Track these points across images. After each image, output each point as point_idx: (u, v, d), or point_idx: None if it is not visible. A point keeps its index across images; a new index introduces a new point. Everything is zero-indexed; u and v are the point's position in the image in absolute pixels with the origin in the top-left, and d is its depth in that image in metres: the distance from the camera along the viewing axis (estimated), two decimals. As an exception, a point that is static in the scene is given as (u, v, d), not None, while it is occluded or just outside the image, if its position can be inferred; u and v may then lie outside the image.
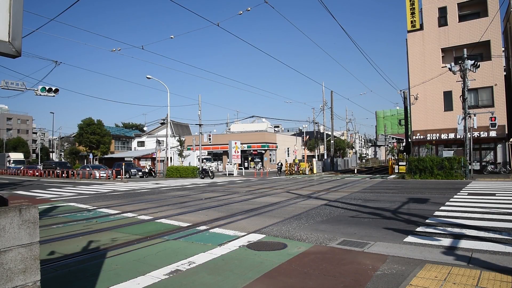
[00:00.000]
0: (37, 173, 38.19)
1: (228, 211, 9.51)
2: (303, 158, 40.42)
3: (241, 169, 38.64)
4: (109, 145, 54.64)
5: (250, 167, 48.55)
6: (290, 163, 34.25)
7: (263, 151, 47.82)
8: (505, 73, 26.14)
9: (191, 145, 39.28)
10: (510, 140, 24.77)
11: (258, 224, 7.42)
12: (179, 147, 37.58)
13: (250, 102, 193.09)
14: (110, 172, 30.82)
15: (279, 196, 13.07)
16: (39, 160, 66.56)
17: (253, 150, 47.92)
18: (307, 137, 48.77)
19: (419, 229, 6.47)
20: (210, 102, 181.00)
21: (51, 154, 66.47)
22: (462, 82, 20.30)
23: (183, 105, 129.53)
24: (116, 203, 11.83)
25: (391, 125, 66.71)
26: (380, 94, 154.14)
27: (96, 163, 46.34)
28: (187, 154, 38.15)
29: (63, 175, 33.72)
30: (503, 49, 26.89)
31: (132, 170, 32.13)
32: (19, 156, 55.61)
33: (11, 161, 50.79)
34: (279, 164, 33.66)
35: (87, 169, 32.57)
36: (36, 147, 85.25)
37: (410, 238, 5.74)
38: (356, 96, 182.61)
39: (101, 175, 30.44)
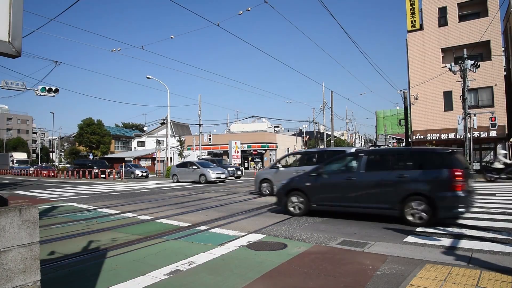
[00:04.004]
0: (52, 174, 34.30)
1: (228, 211, 9.51)
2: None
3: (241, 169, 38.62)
4: (109, 145, 54.69)
5: (250, 167, 48.58)
6: None
7: (263, 151, 47.85)
8: (505, 73, 26.15)
9: (191, 145, 39.32)
10: (510, 140, 24.77)
11: (258, 224, 7.42)
12: (179, 147, 37.59)
13: (250, 102, 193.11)
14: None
15: (279, 196, 13.02)
16: (39, 160, 66.57)
17: (253, 150, 47.96)
18: (307, 137, 48.85)
19: (419, 229, 6.46)
20: (210, 102, 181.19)
21: (51, 154, 66.46)
22: (462, 82, 20.30)
23: (183, 105, 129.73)
24: (116, 203, 11.83)
25: (391, 125, 66.70)
26: (380, 94, 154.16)
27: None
28: (187, 154, 38.14)
29: (102, 175, 28.57)
30: (503, 49, 26.90)
31: (231, 168, 24.48)
32: (23, 156, 54.71)
33: (15, 161, 49.90)
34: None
35: (194, 167, 22.24)
36: (36, 147, 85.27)
37: (410, 238, 5.74)
38: (356, 96, 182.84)
39: (219, 176, 21.37)
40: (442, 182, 6.65)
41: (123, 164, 32.24)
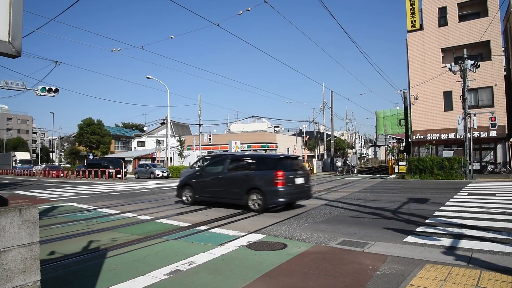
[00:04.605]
0: (62, 174, 32.34)
1: (228, 211, 9.51)
2: (303, 158, 40.43)
3: (241, 169, 38.60)
4: (109, 145, 54.68)
5: (250, 167, 48.51)
6: None
7: (263, 151, 47.82)
8: (505, 73, 26.14)
9: (191, 145, 39.34)
10: (510, 140, 24.77)
11: (258, 224, 7.42)
12: (179, 147, 37.63)
13: (250, 102, 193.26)
14: None
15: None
16: (39, 160, 66.49)
17: (253, 150, 47.94)
18: (307, 137, 48.78)
19: (419, 229, 6.47)
20: (210, 102, 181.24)
21: (51, 154, 66.46)
22: (462, 82, 20.29)
23: (183, 105, 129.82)
24: (116, 203, 11.83)
25: (391, 125, 66.72)
26: (380, 94, 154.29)
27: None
28: (187, 154, 38.18)
29: (118, 176, 26.59)
30: (503, 49, 26.89)
31: None
32: (26, 155, 53.23)
33: (17, 161, 48.43)
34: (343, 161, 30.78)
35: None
36: (36, 147, 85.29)
37: (410, 238, 5.74)
38: (356, 96, 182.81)
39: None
40: (269, 179, 8.97)
41: (123, 163, 31.64)
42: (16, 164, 47.88)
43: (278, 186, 8.85)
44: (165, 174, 28.76)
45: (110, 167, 28.14)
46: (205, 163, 12.65)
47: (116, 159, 32.52)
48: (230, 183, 9.78)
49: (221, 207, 10.08)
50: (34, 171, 39.01)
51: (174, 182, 22.85)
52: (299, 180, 9.51)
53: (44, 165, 50.72)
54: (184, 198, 10.99)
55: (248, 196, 9.24)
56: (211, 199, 10.39)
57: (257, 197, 9.08)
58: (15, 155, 50.64)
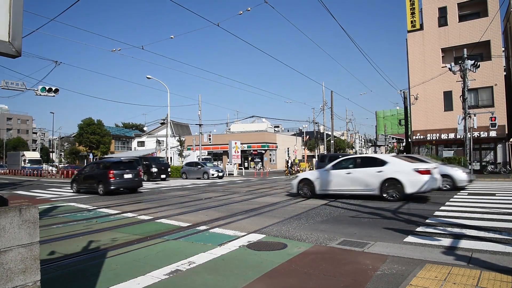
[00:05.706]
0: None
1: (228, 211, 9.51)
2: (303, 158, 40.47)
3: (241, 169, 38.66)
4: (109, 145, 54.73)
5: (250, 167, 48.56)
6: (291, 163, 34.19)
7: (263, 151, 47.84)
8: (505, 73, 26.14)
9: (191, 145, 39.34)
10: (510, 140, 24.77)
11: (258, 224, 7.41)
12: (179, 147, 37.64)
13: (250, 102, 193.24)
14: None
15: (279, 196, 13.06)
16: (39, 160, 66.29)
17: (253, 150, 47.95)
18: (307, 137, 48.79)
19: (419, 229, 6.47)
20: (210, 102, 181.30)
21: (51, 154, 66.46)
22: (462, 82, 20.28)
23: (183, 105, 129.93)
24: (116, 203, 11.83)
25: (391, 125, 66.70)
26: (380, 94, 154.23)
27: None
28: (187, 154, 38.17)
29: (162, 176, 23.88)
30: (503, 49, 26.90)
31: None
32: (35, 155, 51.90)
33: (27, 161, 46.74)
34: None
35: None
36: (36, 147, 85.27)
37: (410, 238, 5.74)
38: (356, 96, 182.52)
39: None
40: (106, 175, 14.83)
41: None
42: (25, 164, 46.21)
43: (111, 179, 14.65)
44: (220, 174, 25.73)
45: (153, 166, 24.99)
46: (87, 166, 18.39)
47: (157, 157, 29.07)
48: (92, 178, 15.54)
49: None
50: (49, 171, 37.14)
51: (174, 182, 22.77)
52: (128, 176, 15.38)
53: (47, 164, 50.07)
54: (73, 190, 16.55)
55: (98, 185, 14.94)
56: (85, 189, 15.82)
57: (101, 186, 14.83)
58: (24, 155, 48.70)
